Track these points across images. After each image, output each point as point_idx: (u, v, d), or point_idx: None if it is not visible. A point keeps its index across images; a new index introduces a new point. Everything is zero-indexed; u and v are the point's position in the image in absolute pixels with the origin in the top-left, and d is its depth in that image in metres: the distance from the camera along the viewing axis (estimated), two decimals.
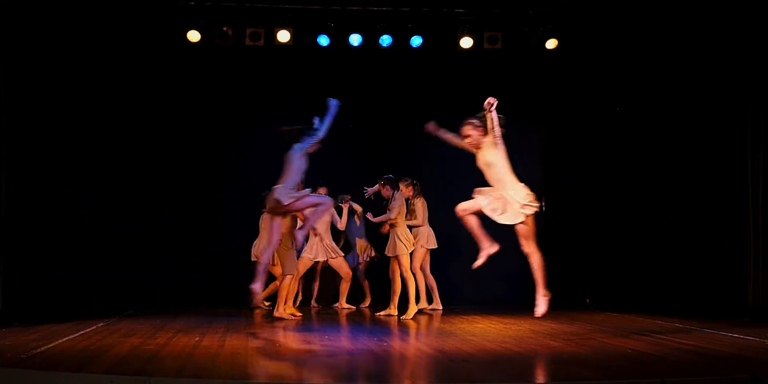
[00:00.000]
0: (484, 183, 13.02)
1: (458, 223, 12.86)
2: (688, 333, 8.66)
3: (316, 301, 11.92)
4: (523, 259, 12.70)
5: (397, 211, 10.52)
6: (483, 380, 5.98)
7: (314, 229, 10.66)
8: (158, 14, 11.50)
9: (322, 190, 11.08)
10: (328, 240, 11.18)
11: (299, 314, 10.57)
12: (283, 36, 11.73)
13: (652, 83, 11.76)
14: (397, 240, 10.43)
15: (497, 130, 8.07)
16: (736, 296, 10.79)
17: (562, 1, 11.66)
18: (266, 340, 8.13)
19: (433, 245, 11.06)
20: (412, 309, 10.42)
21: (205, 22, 11.62)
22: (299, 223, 10.35)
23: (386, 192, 10.70)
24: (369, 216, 11.09)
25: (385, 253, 10.68)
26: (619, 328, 9.12)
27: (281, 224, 9.50)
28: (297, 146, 9.24)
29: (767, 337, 8.30)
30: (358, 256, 11.79)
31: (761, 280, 10.61)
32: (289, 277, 10.29)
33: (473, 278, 12.74)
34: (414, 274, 10.61)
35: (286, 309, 10.37)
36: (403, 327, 9.45)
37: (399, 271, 10.55)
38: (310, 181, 10.47)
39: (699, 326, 9.22)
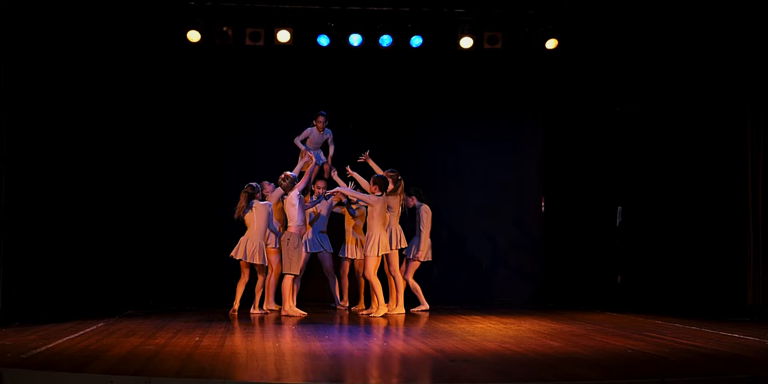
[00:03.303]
0: (484, 185, 13.09)
1: (457, 224, 12.98)
2: (688, 333, 8.67)
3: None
4: (524, 260, 12.85)
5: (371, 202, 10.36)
6: (483, 380, 5.99)
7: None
8: (158, 14, 11.50)
9: (321, 183, 11.04)
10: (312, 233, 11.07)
11: (304, 313, 10.56)
12: (283, 36, 11.72)
13: (652, 83, 11.77)
14: (370, 241, 10.31)
15: None
16: (736, 296, 10.80)
17: (562, 1, 11.66)
18: (267, 339, 8.13)
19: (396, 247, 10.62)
20: (382, 308, 10.40)
21: (205, 22, 11.62)
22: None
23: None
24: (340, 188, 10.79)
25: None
26: (619, 328, 9.12)
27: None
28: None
29: (767, 337, 8.31)
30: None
31: (761, 280, 10.62)
32: (289, 277, 10.29)
33: (473, 278, 12.80)
34: (392, 277, 10.59)
35: (292, 306, 10.41)
36: (402, 327, 9.45)
37: (387, 270, 10.54)
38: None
39: (699, 326, 9.22)
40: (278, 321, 9.97)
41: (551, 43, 11.96)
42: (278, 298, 11.24)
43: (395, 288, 10.63)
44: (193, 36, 11.62)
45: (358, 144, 12.52)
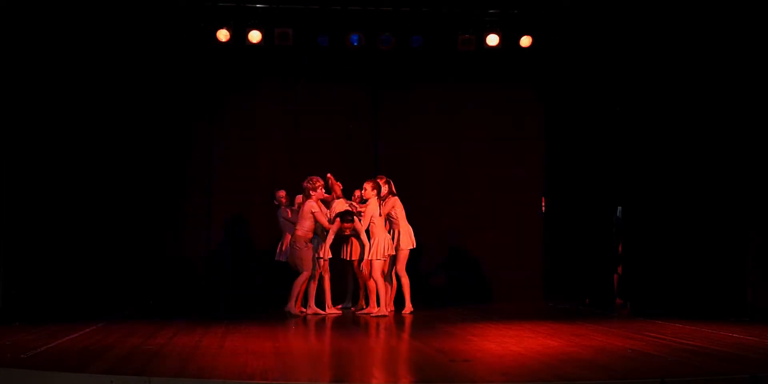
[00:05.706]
0: (484, 185, 13.02)
1: (457, 224, 12.96)
2: (688, 333, 8.67)
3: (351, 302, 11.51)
4: (524, 260, 12.83)
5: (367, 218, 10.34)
6: (483, 380, 5.99)
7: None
8: (158, 15, 11.48)
9: (281, 193, 11.02)
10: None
11: (304, 312, 10.52)
12: (284, 36, 11.72)
13: (653, 82, 11.76)
14: (374, 245, 10.26)
15: None
16: (736, 296, 10.79)
17: (561, 1, 11.65)
18: (267, 339, 8.13)
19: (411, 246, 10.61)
20: (383, 309, 10.37)
21: (204, 23, 11.61)
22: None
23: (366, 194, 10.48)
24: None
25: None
26: (619, 328, 9.13)
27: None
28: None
29: (767, 337, 8.32)
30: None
31: (761, 280, 10.61)
32: (306, 274, 10.28)
33: (473, 278, 12.79)
34: (400, 276, 10.55)
35: (296, 306, 10.39)
36: (403, 327, 9.45)
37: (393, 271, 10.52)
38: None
39: (699, 326, 9.23)
40: (279, 321, 9.97)
41: (549, 43, 11.98)
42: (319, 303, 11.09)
43: (371, 288, 10.60)
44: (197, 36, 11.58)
45: (357, 144, 12.56)
